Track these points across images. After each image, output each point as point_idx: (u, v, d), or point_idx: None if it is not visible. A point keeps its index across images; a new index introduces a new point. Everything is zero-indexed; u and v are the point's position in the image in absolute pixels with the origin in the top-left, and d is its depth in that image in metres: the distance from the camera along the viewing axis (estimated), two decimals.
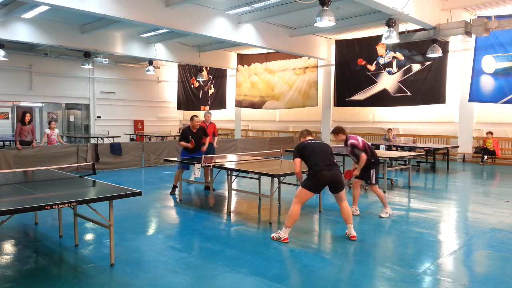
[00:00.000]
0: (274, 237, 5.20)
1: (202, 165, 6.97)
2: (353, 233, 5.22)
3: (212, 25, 12.51)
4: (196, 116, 8.56)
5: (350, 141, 6.30)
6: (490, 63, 13.19)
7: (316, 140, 5.42)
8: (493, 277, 4.13)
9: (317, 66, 17.86)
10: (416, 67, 14.88)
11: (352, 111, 17.16)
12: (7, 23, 12.72)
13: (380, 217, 6.40)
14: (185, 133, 8.47)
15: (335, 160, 5.32)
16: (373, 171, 6.43)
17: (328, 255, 4.81)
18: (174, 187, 8.39)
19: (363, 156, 6.16)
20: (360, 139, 6.41)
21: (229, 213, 6.70)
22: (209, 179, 7.64)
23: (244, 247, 4.98)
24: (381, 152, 9.90)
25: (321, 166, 5.05)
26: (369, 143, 6.66)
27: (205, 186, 8.55)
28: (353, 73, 16.54)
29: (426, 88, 14.57)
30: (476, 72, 13.48)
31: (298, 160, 5.24)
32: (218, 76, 22.01)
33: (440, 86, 14.25)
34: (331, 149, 5.43)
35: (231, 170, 6.77)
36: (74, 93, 20.63)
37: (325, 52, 17.29)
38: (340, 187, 5.20)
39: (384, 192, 8.44)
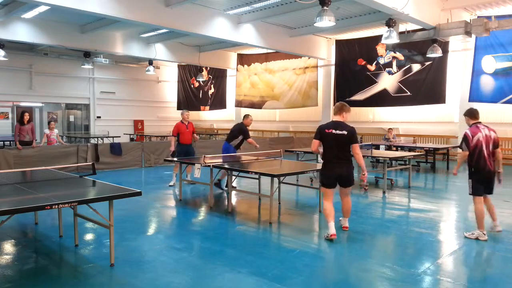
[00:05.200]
0: (326, 235, 5.26)
1: (202, 165, 6.97)
2: (346, 224, 5.61)
3: (212, 25, 12.51)
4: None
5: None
6: (490, 63, 13.18)
7: (340, 128, 5.23)
8: (493, 277, 4.13)
9: (317, 66, 17.86)
10: (416, 67, 14.88)
11: (352, 111, 16.71)
12: (7, 23, 12.72)
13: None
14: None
15: (350, 154, 5.35)
16: None
17: (328, 255, 4.81)
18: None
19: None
20: None
21: (229, 213, 6.71)
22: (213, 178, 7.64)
23: (244, 247, 4.98)
24: (381, 152, 9.91)
25: (332, 160, 5.25)
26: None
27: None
28: (353, 73, 16.53)
29: (426, 88, 14.56)
30: (476, 72, 13.47)
31: (316, 142, 5.40)
32: (218, 76, 22.00)
33: (440, 86, 14.25)
34: (354, 137, 5.26)
35: (231, 170, 6.78)
36: (74, 93, 20.62)
37: (325, 52, 17.28)
38: (348, 183, 5.37)
39: (384, 192, 8.46)
